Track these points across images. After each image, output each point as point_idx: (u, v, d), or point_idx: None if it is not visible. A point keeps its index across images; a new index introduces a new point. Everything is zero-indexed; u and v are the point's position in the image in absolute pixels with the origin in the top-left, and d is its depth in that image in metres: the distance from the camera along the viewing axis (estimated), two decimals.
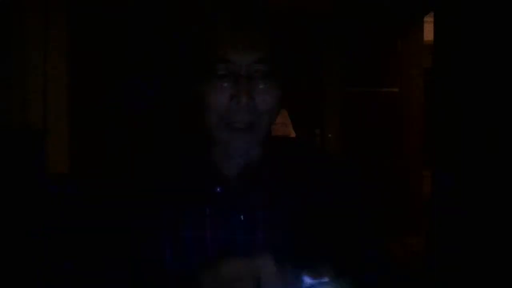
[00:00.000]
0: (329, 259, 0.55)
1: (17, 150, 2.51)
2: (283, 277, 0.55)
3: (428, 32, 3.63)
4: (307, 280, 0.51)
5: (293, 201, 0.74)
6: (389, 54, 4.19)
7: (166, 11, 3.22)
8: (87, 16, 3.20)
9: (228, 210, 0.73)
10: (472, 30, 2.32)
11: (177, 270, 0.69)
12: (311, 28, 3.94)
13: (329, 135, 4.14)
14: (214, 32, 0.70)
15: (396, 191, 4.14)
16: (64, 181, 2.41)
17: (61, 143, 2.95)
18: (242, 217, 0.72)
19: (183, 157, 0.79)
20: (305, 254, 0.68)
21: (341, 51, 4.08)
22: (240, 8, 0.71)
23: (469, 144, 2.33)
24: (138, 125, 3.31)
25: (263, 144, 0.75)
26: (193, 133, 0.79)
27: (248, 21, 0.70)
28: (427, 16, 3.88)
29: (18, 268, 1.92)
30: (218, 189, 0.74)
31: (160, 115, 3.30)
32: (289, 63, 0.76)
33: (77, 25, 3.09)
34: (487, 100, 2.20)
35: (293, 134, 3.21)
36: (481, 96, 2.24)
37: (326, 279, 0.51)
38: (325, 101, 4.15)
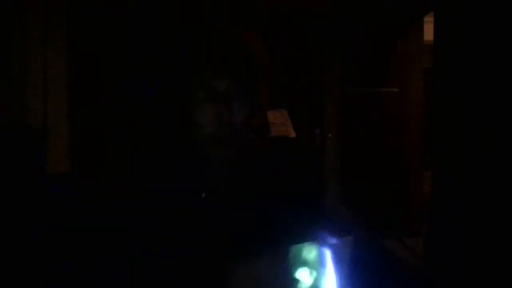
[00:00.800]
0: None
1: (17, 150, 2.51)
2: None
3: (428, 32, 3.63)
4: (331, 240, 0.57)
5: (273, 196, 0.79)
6: (389, 54, 4.18)
7: (165, 14, 3.22)
8: (87, 16, 3.20)
9: (216, 212, 0.77)
10: (472, 30, 2.32)
11: (173, 267, 0.72)
12: (311, 28, 3.94)
13: (329, 135, 4.14)
14: (197, 63, 0.75)
15: (396, 191, 4.14)
16: (64, 181, 2.41)
17: (61, 143, 2.95)
18: (230, 217, 0.76)
19: (176, 163, 0.83)
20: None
21: (341, 51, 4.08)
22: (219, 42, 0.76)
23: (469, 144, 2.33)
24: (138, 125, 3.31)
25: (244, 153, 0.80)
26: (186, 141, 0.84)
27: (226, 54, 0.75)
28: (427, 16, 3.88)
29: (18, 267, 1.92)
30: (203, 195, 0.78)
31: (160, 115, 3.30)
32: (267, 83, 0.82)
33: (77, 25, 3.09)
34: (487, 100, 2.19)
35: (293, 134, 3.21)
36: (481, 96, 2.24)
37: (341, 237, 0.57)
38: (325, 101, 4.15)
